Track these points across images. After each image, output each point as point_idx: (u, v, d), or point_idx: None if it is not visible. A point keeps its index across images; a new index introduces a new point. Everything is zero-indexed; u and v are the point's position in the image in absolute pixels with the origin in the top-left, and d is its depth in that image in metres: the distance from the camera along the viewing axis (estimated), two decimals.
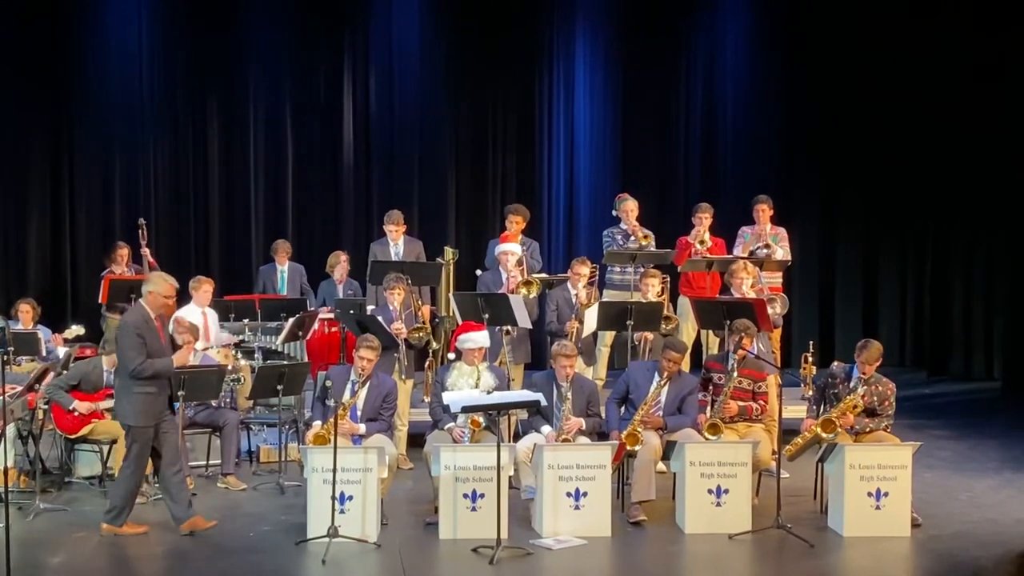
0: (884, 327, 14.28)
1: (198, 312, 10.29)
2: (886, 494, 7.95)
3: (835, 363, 8.95)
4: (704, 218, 11.04)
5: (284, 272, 12.09)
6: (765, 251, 10.86)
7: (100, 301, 11.52)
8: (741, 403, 8.60)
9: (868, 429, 8.39)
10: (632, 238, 10.91)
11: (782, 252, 11.03)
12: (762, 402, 8.70)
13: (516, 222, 10.92)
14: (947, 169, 13.76)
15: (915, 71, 13.64)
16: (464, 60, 14.01)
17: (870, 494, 7.95)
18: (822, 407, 8.55)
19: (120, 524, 7.88)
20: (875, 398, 8.36)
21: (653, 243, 10.93)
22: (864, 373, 8.37)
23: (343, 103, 14.00)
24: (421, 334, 9.86)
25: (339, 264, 11.62)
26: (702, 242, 10.89)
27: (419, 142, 14.14)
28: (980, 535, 7.99)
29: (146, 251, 11.99)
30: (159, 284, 7.88)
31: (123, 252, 11.83)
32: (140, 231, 12.01)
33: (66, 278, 13.69)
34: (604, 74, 14.23)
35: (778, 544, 7.79)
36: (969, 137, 13.41)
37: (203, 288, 10.43)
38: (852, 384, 8.39)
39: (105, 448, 9.01)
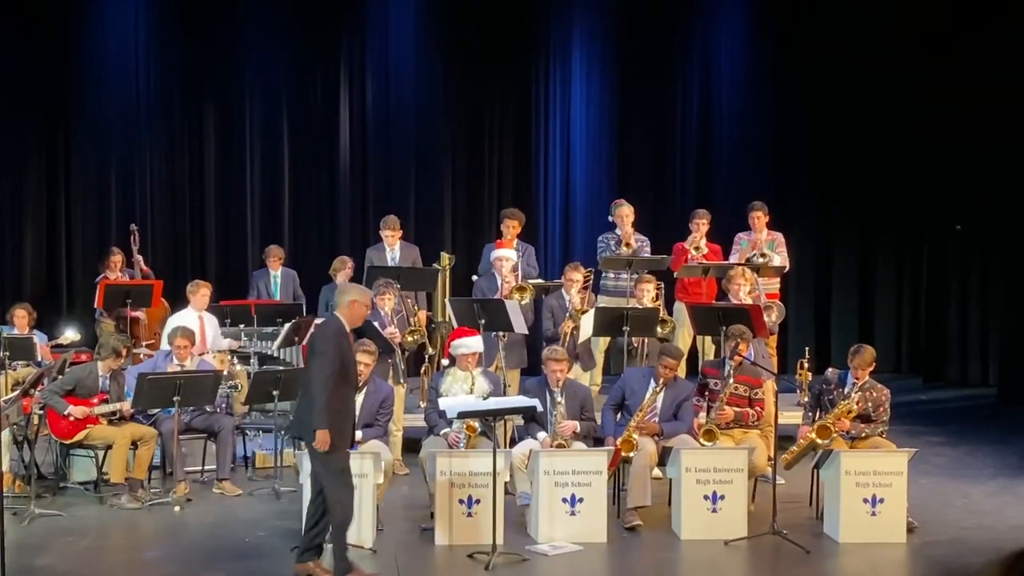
0: (880, 333, 14.29)
1: (195, 317, 10.28)
2: (882, 500, 7.95)
3: (830, 369, 8.97)
4: (701, 224, 11.04)
5: (277, 277, 12.07)
6: (761, 259, 10.86)
7: (95, 306, 11.52)
8: (737, 409, 8.61)
9: (864, 435, 8.39)
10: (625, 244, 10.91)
11: (779, 258, 11.03)
12: (758, 408, 8.71)
13: (512, 227, 10.92)
14: (943, 176, 13.77)
15: (911, 78, 13.67)
16: (460, 65, 14.01)
17: (866, 500, 7.95)
18: (817, 413, 8.55)
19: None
20: (869, 404, 8.37)
21: (647, 250, 10.93)
22: (857, 378, 8.38)
23: (339, 108, 13.99)
24: (416, 336, 9.86)
25: (344, 269, 11.58)
26: (697, 248, 10.90)
27: (415, 147, 14.13)
28: (976, 541, 7.99)
29: (138, 257, 11.98)
30: (362, 294, 7.39)
31: (116, 259, 11.81)
32: (132, 237, 12.00)
33: (62, 283, 13.67)
34: (600, 79, 14.24)
35: (774, 550, 7.79)
36: (966, 144, 13.42)
37: (200, 292, 10.43)
38: (846, 390, 8.40)
39: (100, 453, 8.99)
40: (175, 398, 8.62)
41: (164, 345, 9.90)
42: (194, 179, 13.93)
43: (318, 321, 7.58)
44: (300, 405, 7.20)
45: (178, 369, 9.10)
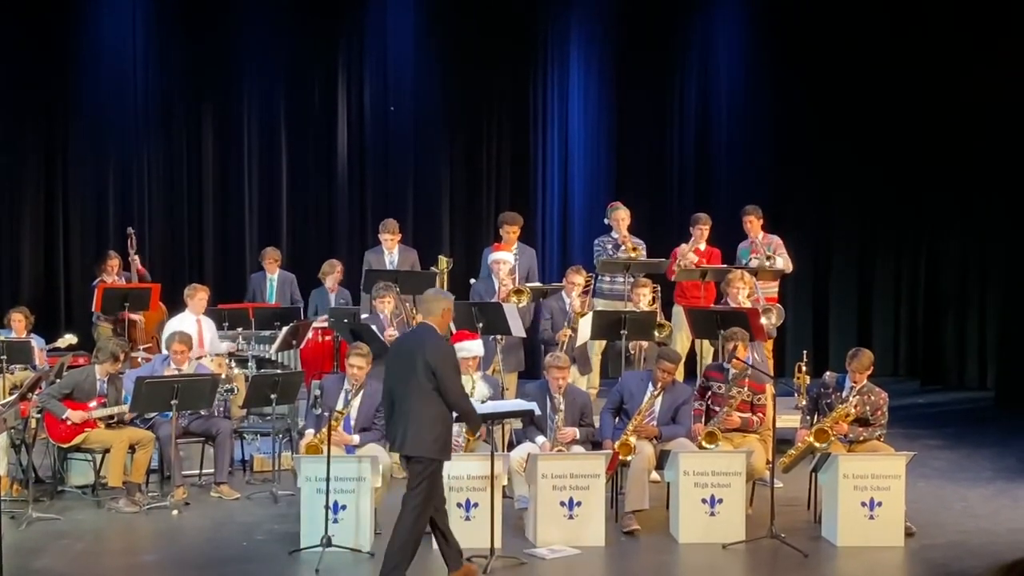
0: (878, 336, 14.29)
1: (193, 320, 10.28)
2: (880, 504, 7.95)
3: (828, 373, 8.97)
4: (703, 229, 11.04)
5: (274, 281, 12.05)
6: (767, 263, 10.85)
7: (93, 309, 11.51)
8: (742, 415, 8.60)
9: (861, 438, 8.39)
10: (622, 248, 10.91)
11: (781, 261, 11.03)
12: (760, 414, 8.70)
13: (512, 232, 10.92)
14: (941, 179, 13.78)
15: (909, 81, 13.67)
16: (458, 67, 14.01)
17: (864, 504, 7.95)
18: (815, 417, 8.55)
19: None
20: (868, 407, 8.37)
21: (643, 254, 10.92)
22: (856, 382, 8.38)
23: (337, 110, 14.00)
24: None
25: (333, 273, 11.60)
26: (679, 264, 10.83)
27: (413, 150, 14.14)
28: (974, 545, 7.99)
29: (135, 260, 11.97)
30: (449, 301, 7.34)
31: (113, 263, 11.79)
32: (129, 240, 11.99)
33: (59, 287, 13.66)
34: (599, 82, 14.24)
35: (772, 554, 7.79)
36: (964, 147, 13.43)
37: (198, 296, 10.42)
38: (844, 393, 8.40)
39: (98, 457, 8.99)
40: (173, 402, 8.61)
41: (162, 349, 9.90)
42: (192, 182, 13.92)
43: (431, 340, 7.03)
44: (408, 423, 6.84)
45: (176, 373, 9.09)
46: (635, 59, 14.09)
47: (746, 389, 8.59)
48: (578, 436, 8.42)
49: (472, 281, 10.94)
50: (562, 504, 7.88)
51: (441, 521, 7.08)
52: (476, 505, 7.76)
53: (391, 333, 9.62)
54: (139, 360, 10.71)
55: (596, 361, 10.76)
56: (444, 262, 11.63)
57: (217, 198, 13.97)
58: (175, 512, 8.61)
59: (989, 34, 12.96)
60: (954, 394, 13.80)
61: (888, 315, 14.59)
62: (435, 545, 7.55)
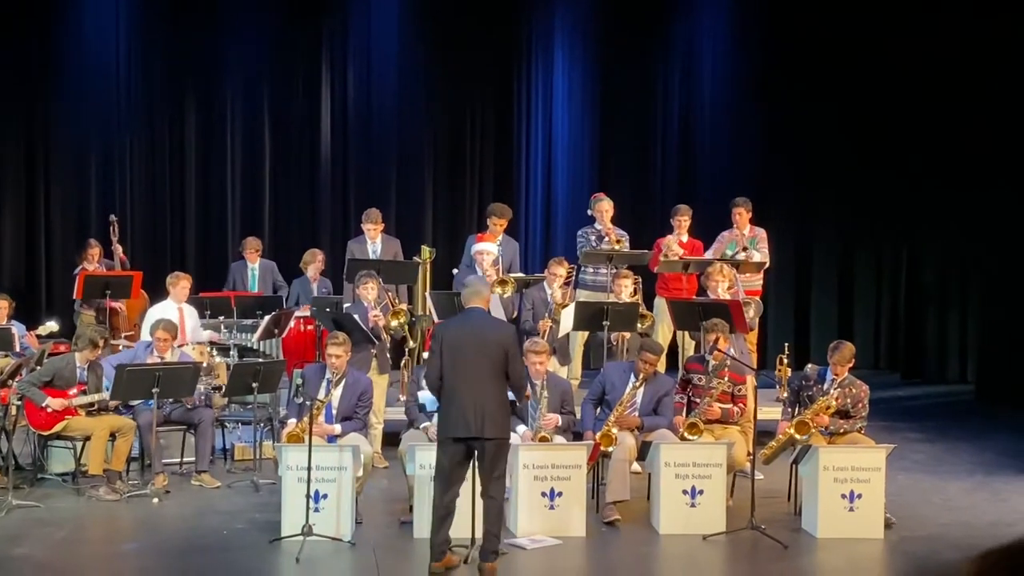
0: (859, 329, 14.35)
1: (175, 308, 10.25)
2: (859, 496, 7.98)
3: (809, 365, 8.98)
4: (683, 221, 11.05)
5: (255, 270, 12.02)
6: (743, 253, 10.88)
7: (75, 297, 11.46)
8: (723, 406, 8.62)
9: (842, 431, 8.42)
10: (606, 239, 10.91)
11: (759, 255, 11.05)
12: (741, 405, 8.73)
13: (500, 224, 10.91)
14: (923, 174, 13.82)
15: (892, 75, 13.70)
16: (442, 58, 14.01)
17: (844, 496, 7.97)
18: (796, 409, 8.57)
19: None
20: (848, 400, 8.40)
21: (627, 246, 10.93)
22: (837, 374, 8.41)
23: (321, 100, 13.98)
24: (401, 319, 9.84)
25: (314, 262, 11.58)
26: (666, 255, 10.85)
27: (397, 140, 14.13)
28: (953, 538, 8.03)
29: (117, 247, 11.93)
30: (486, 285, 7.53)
31: (95, 250, 11.74)
32: (111, 227, 11.94)
33: (40, 274, 13.61)
34: (582, 73, 14.25)
35: (752, 545, 7.81)
36: (945, 142, 13.48)
37: (180, 284, 10.39)
38: (825, 386, 8.42)
39: (78, 445, 8.95)
40: (154, 390, 8.58)
41: (144, 336, 9.86)
42: (174, 170, 13.89)
43: (498, 323, 7.44)
44: (486, 406, 6.89)
45: (158, 361, 9.06)
46: (619, 51, 14.10)
47: (726, 380, 8.61)
48: (560, 422, 8.43)
49: (455, 271, 10.93)
50: (543, 494, 7.89)
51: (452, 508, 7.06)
52: (458, 495, 7.74)
53: (375, 313, 9.60)
54: (120, 348, 10.68)
55: (578, 352, 10.76)
56: (427, 252, 11.65)
57: (199, 187, 13.94)
58: (155, 500, 8.59)
59: (971, 30, 12.99)
60: (934, 387, 13.87)
61: (869, 308, 14.65)
62: (417, 535, 7.58)
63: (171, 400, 9.08)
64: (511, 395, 7.30)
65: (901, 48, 13.59)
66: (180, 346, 9.70)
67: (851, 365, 8.47)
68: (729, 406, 8.66)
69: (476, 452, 6.98)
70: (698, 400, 8.67)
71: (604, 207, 11.04)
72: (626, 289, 10.13)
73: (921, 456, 10.42)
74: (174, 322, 9.46)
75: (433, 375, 7.06)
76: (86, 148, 13.67)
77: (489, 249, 10.58)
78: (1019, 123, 12.30)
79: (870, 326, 14.61)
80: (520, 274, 11.04)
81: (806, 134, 14.07)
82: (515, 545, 7.64)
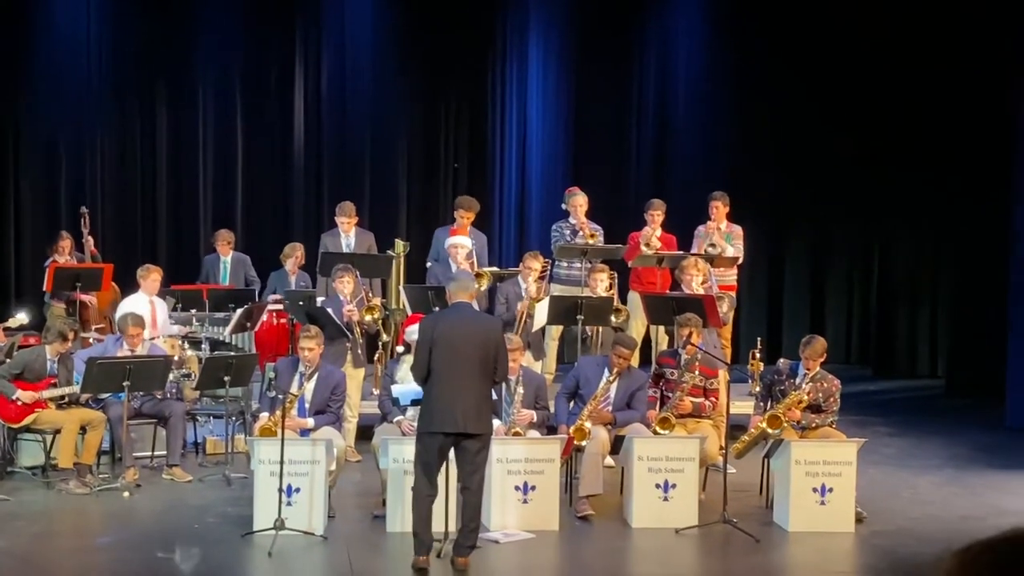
0: (831, 324, 14.40)
1: (146, 301, 10.18)
2: (831, 490, 8.02)
3: (781, 360, 9.02)
4: (656, 215, 11.05)
5: (227, 263, 11.94)
6: (712, 249, 10.90)
7: (45, 289, 11.37)
8: (695, 400, 8.64)
9: (814, 425, 8.46)
10: (580, 233, 10.92)
11: (732, 250, 11.07)
12: (713, 399, 8.76)
13: (467, 217, 10.90)
14: (895, 170, 13.88)
15: (866, 72, 13.74)
16: (416, 51, 13.94)
17: (815, 490, 8.02)
18: (768, 403, 8.61)
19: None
20: (820, 394, 8.44)
21: (601, 240, 10.94)
22: (809, 369, 8.45)
23: (294, 92, 13.89)
24: (376, 314, 9.82)
25: (293, 256, 11.50)
26: (648, 244, 10.89)
27: (370, 133, 14.06)
28: (922, 531, 8.08)
29: (88, 239, 11.84)
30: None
31: (66, 243, 11.63)
32: (82, 219, 11.85)
33: (10, 266, 13.49)
34: (557, 67, 14.23)
35: (724, 539, 7.84)
36: (917, 137, 13.54)
37: (151, 277, 10.32)
38: (798, 380, 8.46)
39: (48, 438, 8.89)
40: (125, 383, 8.53)
41: (115, 330, 9.80)
42: (146, 162, 13.79)
43: (487, 319, 7.63)
44: (474, 402, 6.94)
45: (126, 355, 9.00)
46: (594, 44, 14.08)
47: (697, 374, 8.63)
48: (535, 419, 8.43)
49: (428, 264, 10.91)
50: (516, 488, 7.89)
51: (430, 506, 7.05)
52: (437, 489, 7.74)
53: (350, 308, 9.58)
54: (91, 340, 10.61)
55: (552, 346, 10.77)
56: (401, 246, 11.62)
57: (171, 178, 13.84)
58: (126, 494, 8.54)
59: (945, 30, 13.05)
60: (905, 382, 13.94)
61: (841, 304, 14.71)
62: (390, 529, 7.57)
63: (142, 393, 9.02)
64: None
65: (876, 45, 13.63)
66: (151, 339, 9.64)
67: (823, 360, 8.52)
68: (701, 400, 8.68)
69: (458, 447, 6.97)
70: (670, 394, 8.69)
71: (578, 201, 11.05)
72: (602, 283, 10.14)
73: (891, 450, 10.48)
74: (141, 315, 9.39)
75: (422, 367, 7.05)
76: (57, 140, 13.55)
77: (463, 243, 10.57)
78: (991, 121, 12.35)
79: (842, 321, 14.68)
80: (494, 268, 11.04)
81: (780, 131, 14.09)
82: (488, 539, 7.63)
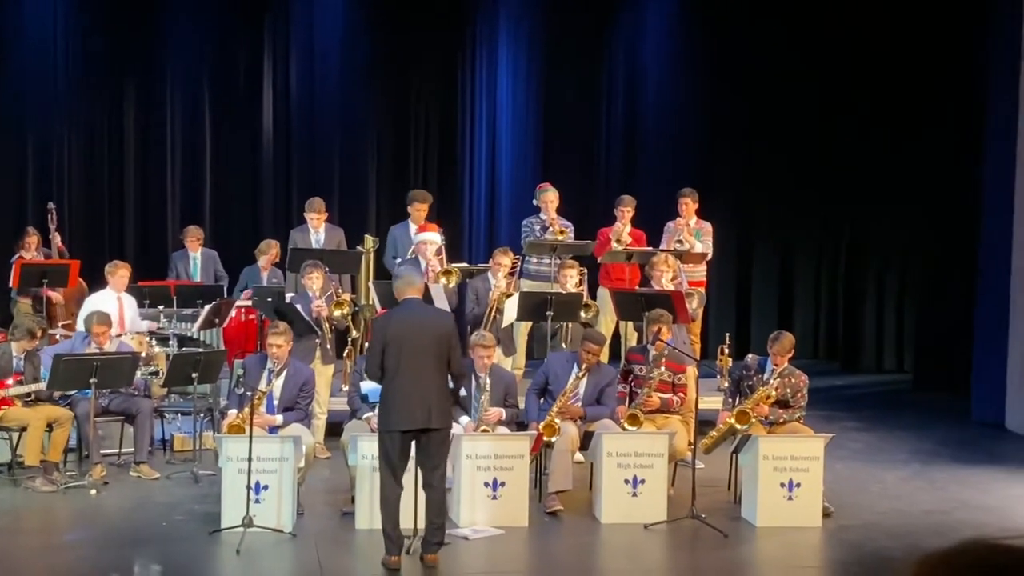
0: (799, 320, 14.49)
1: (114, 298, 10.12)
2: (798, 485, 8.06)
3: (749, 355, 9.06)
4: (626, 211, 11.07)
5: (197, 259, 11.89)
6: (680, 245, 10.94)
7: (11, 285, 11.28)
8: (662, 396, 8.67)
9: (782, 420, 8.50)
10: (550, 229, 10.93)
11: (700, 246, 11.11)
12: (681, 394, 8.79)
13: (421, 209, 10.89)
14: (861, 167, 13.96)
15: (834, 71, 13.81)
16: (386, 46, 13.92)
17: (783, 485, 8.05)
18: (737, 399, 8.64)
19: None
20: (788, 390, 8.48)
21: (571, 237, 10.96)
22: (777, 364, 8.48)
23: (263, 88, 13.84)
24: (344, 310, 9.81)
25: (268, 253, 11.45)
26: (619, 240, 10.91)
27: (340, 129, 14.03)
28: (889, 526, 8.14)
29: (55, 236, 11.76)
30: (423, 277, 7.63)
31: (32, 240, 11.54)
32: (49, 215, 11.77)
33: None
34: (527, 63, 14.24)
35: (692, 534, 7.87)
36: (883, 136, 13.63)
37: (119, 273, 10.26)
38: (766, 376, 8.50)
39: (15, 435, 8.82)
40: (92, 380, 8.48)
41: (81, 326, 9.73)
42: (113, 158, 13.71)
43: (439, 314, 7.55)
44: (433, 397, 6.93)
45: (96, 351, 8.94)
46: (564, 40, 14.10)
47: (663, 369, 8.65)
48: (504, 416, 8.44)
49: (398, 261, 10.89)
50: (486, 485, 7.89)
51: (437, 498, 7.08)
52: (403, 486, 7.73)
53: (319, 303, 9.56)
54: (58, 337, 10.53)
55: (522, 342, 10.78)
56: (370, 242, 11.59)
57: (138, 175, 13.76)
58: (93, 492, 8.49)
59: (915, 24, 13.13)
60: (872, 377, 14.04)
61: (809, 299, 14.80)
62: (359, 526, 7.57)
63: (109, 390, 8.96)
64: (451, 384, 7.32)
65: (845, 40, 13.70)
66: (118, 336, 9.58)
67: (791, 355, 8.56)
68: (669, 396, 8.71)
69: (419, 443, 6.96)
70: (639, 391, 8.71)
71: (549, 197, 11.06)
72: (571, 279, 10.15)
73: (859, 445, 10.55)
74: (107, 313, 9.32)
75: (374, 367, 7.04)
76: (24, 136, 13.44)
77: (432, 239, 10.55)
78: (961, 122, 12.44)
79: (810, 317, 14.77)
80: (464, 264, 11.03)
81: (748, 129, 14.16)
82: (457, 535, 7.63)
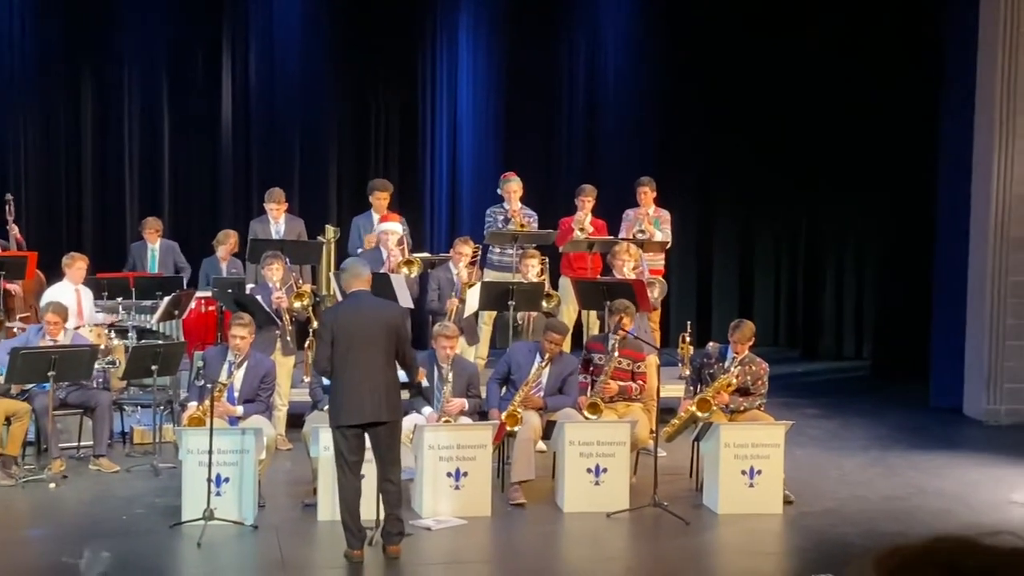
0: (759, 308, 14.56)
1: (71, 290, 10.03)
2: (759, 472, 8.11)
3: (710, 343, 9.10)
4: (586, 201, 11.08)
5: (155, 250, 11.79)
6: (642, 235, 10.97)
7: None
8: (621, 383, 8.70)
9: (742, 408, 8.55)
10: (512, 220, 10.92)
11: (661, 234, 11.14)
12: (641, 382, 8.81)
13: (382, 198, 10.87)
14: (820, 157, 14.03)
15: (793, 60, 13.87)
16: (346, 36, 13.84)
17: (744, 472, 8.10)
18: (698, 387, 8.68)
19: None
20: (749, 377, 8.53)
21: (534, 225, 10.96)
22: (737, 352, 8.53)
23: (221, 78, 13.71)
24: (305, 301, 9.77)
25: (226, 243, 11.38)
26: (581, 229, 10.92)
27: (300, 118, 13.94)
28: (848, 512, 8.21)
29: (13, 227, 11.63)
30: (369, 269, 7.58)
31: None
32: (7, 207, 11.63)
33: None
34: (487, 53, 14.20)
35: (654, 522, 7.91)
36: (842, 126, 13.69)
37: (77, 265, 10.17)
38: (727, 364, 8.54)
39: None
40: (50, 373, 8.40)
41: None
42: (71, 149, 13.57)
43: (387, 306, 7.46)
44: (383, 390, 6.90)
45: (50, 344, 8.86)
46: (524, 30, 14.07)
47: (616, 355, 8.68)
48: (466, 407, 8.43)
49: (359, 251, 10.86)
50: (448, 475, 7.89)
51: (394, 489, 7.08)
52: (362, 476, 7.70)
53: (279, 295, 9.53)
54: (15, 330, 10.42)
55: (485, 332, 10.78)
56: (331, 231, 11.54)
57: (96, 166, 13.62)
58: (52, 485, 8.42)
59: (864, 11, 13.21)
60: (831, 364, 14.14)
61: (769, 287, 14.89)
62: (321, 517, 7.55)
63: (67, 383, 8.89)
64: (404, 376, 7.29)
65: (801, 29, 13.76)
66: (76, 328, 9.50)
67: (751, 343, 8.61)
68: (628, 383, 8.73)
69: (372, 437, 6.94)
70: (599, 379, 8.74)
71: (513, 187, 11.06)
72: (533, 269, 10.16)
73: (818, 432, 10.62)
74: (63, 304, 9.24)
75: (322, 361, 7.03)
76: None
77: (393, 228, 10.52)
78: (916, 111, 12.52)
79: (770, 304, 14.86)
80: (426, 254, 11.01)
81: (707, 116, 14.19)
82: (420, 526, 7.63)
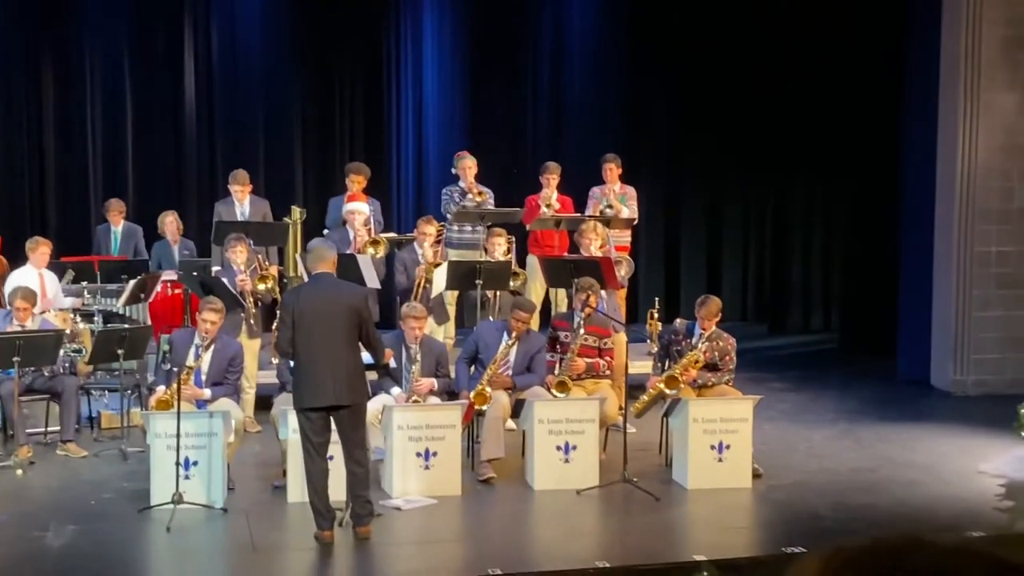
0: (727, 283, 14.61)
1: (35, 274, 9.94)
2: (728, 447, 8.15)
3: (678, 320, 9.11)
4: (551, 179, 11.07)
5: (118, 233, 11.71)
6: (610, 211, 10.97)
7: None
8: (588, 360, 8.71)
9: (710, 383, 8.58)
10: (469, 195, 10.92)
11: (627, 211, 11.15)
12: (608, 358, 8.83)
13: (357, 182, 10.83)
14: (788, 132, 14.06)
15: (760, 33, 13.87)
16: (310, 15, 13.74)
17: (713, 447, 8.14)
18: (667, 363, 8.70)
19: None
20: (716, 353, 8.55)
21: (491, 201, 10.94)
22: (705, 328, 8.55)
23: (184, 59, 13.59)
24: (269, 283, 9.73)
25: (167, 224, 11.32)
26: (548, 205, 10.92)
27: (264, 99, 13.83)
28: (817, 485, 8.26)
29: None
30: (335, 251, 7.55)
31: None
32: None
33: None
34: (452, 32, 14.13)
35: (624, 498, 7.93)
36: (809, 101, 13.71)
37: (40, 250, 10.09)
38: (694, 340, 8.56)
39: None
40: (15, 359, 8.33)
41: (5, 304, 9.56)
42: (32, 132, 13.42)
43: (349, 288, 7.36)
44: (344, 373, 6.87)
45: (18, 330, 8.78)
46: (490, 10, 14.00)
47: (582, 332, 8.68)
48: (435, 387, 8.42)
49: (325, 231, 10.81)
50: (418, 455, 7.89)
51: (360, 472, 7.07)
52: (331, 458, 7.66)
53: (242, 278, 9.48)
54: None
55: (452, 311, 10.76)
56: (297, 212, 11.46)
57: (59, 149, 13.49)
58: (19, 471, 8.37)
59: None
60: (799, 337, 14.21)
61: (736, 262, 14.93)
62: (290, 499, 7.53)
63: (33, 369, 8.82)
64: (368, 358, 7.27)
65: (766, 11, 13.75)
66: (41, 313, 9.42)
67: (718, 319, 8.63)
68: (595, 360, 8.74)
69: (336, 419, 6.92)
70: (565, 357, 8.74)
71: (467, 164, 11.04)
72: (500, 247, 10.15)
73: (786, 406, 10.68)
74: (32, 288, 9.17)
75: (283, 344, 7.02)
76: None
77: (360, 209, 10.49)
78: (882, 85, 12.55)
79: (738, 279, 14.90)
80: (392, 234, 10.98)
81: (673, 91, 14.19)
82: (390, 506, 7.63)
